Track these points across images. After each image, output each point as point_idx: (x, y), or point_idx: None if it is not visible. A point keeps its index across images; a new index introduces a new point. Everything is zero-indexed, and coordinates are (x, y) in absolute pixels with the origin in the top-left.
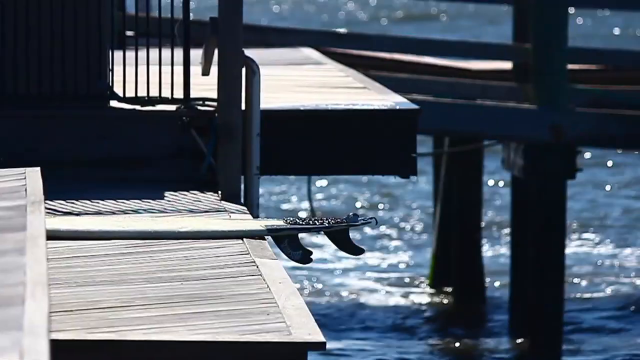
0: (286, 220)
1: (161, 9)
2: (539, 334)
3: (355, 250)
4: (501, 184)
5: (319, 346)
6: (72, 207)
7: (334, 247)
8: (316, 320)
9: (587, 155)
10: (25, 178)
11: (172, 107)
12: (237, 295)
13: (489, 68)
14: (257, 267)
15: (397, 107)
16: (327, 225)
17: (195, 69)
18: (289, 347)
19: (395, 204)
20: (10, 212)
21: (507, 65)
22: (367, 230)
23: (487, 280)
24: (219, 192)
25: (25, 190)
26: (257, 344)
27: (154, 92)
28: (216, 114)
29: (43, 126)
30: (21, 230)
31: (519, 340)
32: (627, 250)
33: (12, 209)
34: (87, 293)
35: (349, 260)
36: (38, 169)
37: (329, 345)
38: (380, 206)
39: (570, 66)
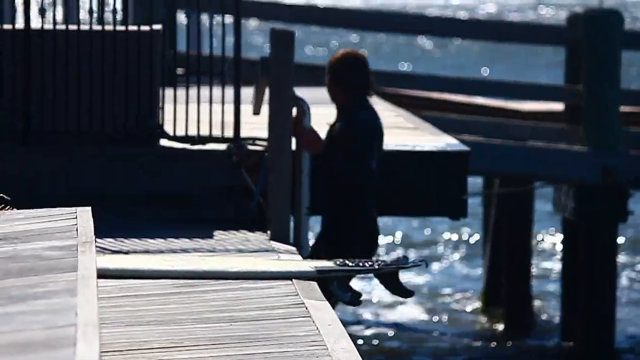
0: (336, 262)
1: (212, 48)
2: None
3: (405, 292)
4: (551, 225)
5: None
6: (121, 245)
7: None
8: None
9: None
10: (76, 217)
11: (223, 146)
12: (286, 337)
13: (540, 109)
14: (307, 308)
15: (448, 149)
16: (377, 267)
17: (246, 108)
18: None
19: (443, 244)
20: (61, 252)
21: (558, 106)
22: (417, 270)
23: (538, 323)
24: (268, 231)
25: (77, 229)
26: None
27: (204, 131)
28: (266, 154)
29: (93, 164)
30: (72, 270)
31: None
32: None
33: (63, 248)
34: (137, 333)
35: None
36: (89, 208)
37: None
38: (429, 246)
39: (622, 108)
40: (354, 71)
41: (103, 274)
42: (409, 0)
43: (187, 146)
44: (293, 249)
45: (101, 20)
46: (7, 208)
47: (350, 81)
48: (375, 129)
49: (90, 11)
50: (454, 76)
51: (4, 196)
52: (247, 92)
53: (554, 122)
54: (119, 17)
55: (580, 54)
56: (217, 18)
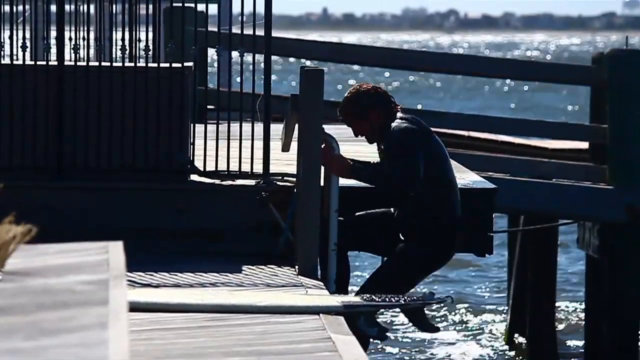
0: (363, 297)
1: (243, 84)
2: None
3: (430, 328)
4: (576, 262)
5: None
6: (151, 279)
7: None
8: None
9: None
10: (107, 252)
11: (252, 182)
12: None
13: (565, 147)
14: (334, 343)
15: (474, 186)
16: (403, 302)
17: (275, 144)
18: None
19: (468, 280)
20: (92, 286)
21: (583, 144)
22: (443, 306)
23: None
24: (296, 267)
25: (108, 264)
26: None
27: (234, 167)
28: (295, 190)
29: (125, 199)
30: (103, 304)
31: None
32: None
33: (95, 282)
34: None
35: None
36: (120, 243)
37: None
38: (455, 283)
39: None
40: (380, 94)
41: (133, 308)
42: (442, 40)
43: (217, 182)
44: (320, 284)
45: (133, 58)
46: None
47: (381, 103)
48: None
49: (123, 48)
50: (478, 114)
51: (33, 227)
52: (277, 129)
53: (580, 160)
54: (150, 54)
55: (605, 93)
56: (248, 55)
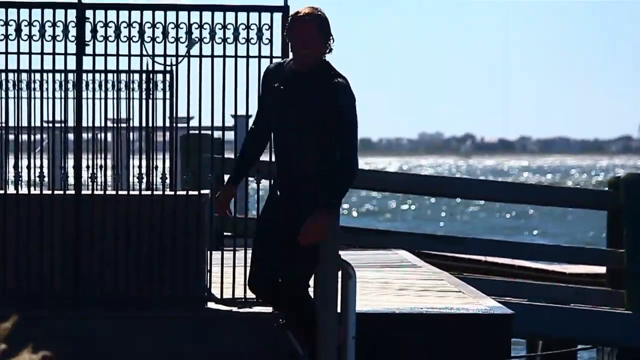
0: None
1: (259, 210)
2: None
3: None
4: None
5: None
6: None
7: None
8: None
9: None
10: None
11: (269, 309)
12: None
13: (583, 272)
14: None
15: (491, 312)
16: None
17: None
18: None
19: None
20: None
21: (601, 269)
22: None
23: None
24: None
25: None
26: None
27: (251, 294)
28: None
29: (141, 327)
30: None
31: None
32: None
33: None
34: None
35: None
36: None
37: None
38: None
39: None
40: None
41: None
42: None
43: (234, 309)
44: None
45: (150, 186)
46: None
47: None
48: None
49: (140, 176)
50: (496, 239)
51: (50, 356)
52: None
53: (597, 285)
54: (167, 181)
55: (621, 217)
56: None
